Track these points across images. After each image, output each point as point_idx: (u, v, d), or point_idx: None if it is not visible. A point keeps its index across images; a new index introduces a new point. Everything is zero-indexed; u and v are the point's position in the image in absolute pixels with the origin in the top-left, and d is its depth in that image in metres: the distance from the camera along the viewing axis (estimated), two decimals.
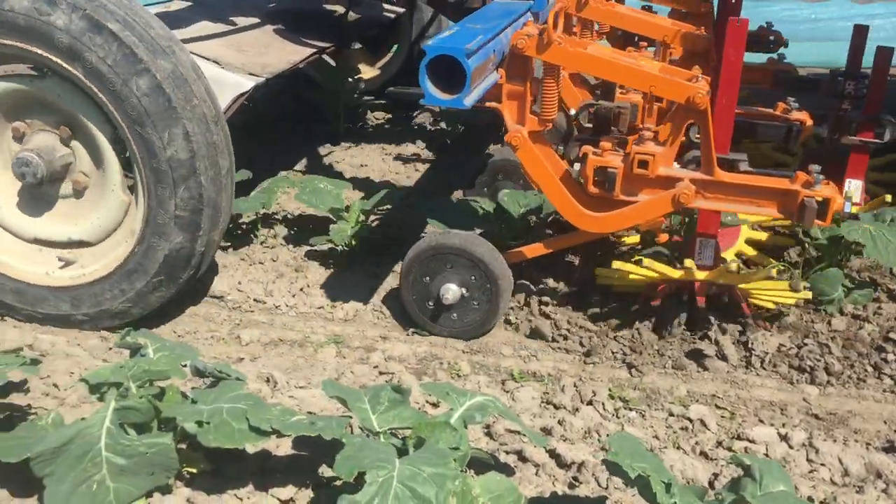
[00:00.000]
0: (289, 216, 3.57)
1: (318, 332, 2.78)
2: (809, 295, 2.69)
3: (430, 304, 2.70)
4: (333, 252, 3.22)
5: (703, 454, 2.20)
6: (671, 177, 2.47)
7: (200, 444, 1.83)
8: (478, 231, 2.93)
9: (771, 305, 2.72)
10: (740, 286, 2.64)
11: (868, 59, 3.11)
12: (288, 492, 1.91)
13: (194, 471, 1.95)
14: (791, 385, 2.51)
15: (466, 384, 2.47)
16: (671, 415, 2.36)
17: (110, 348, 2.64)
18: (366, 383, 2.46)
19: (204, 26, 3.49)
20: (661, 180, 2.47)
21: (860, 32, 3.19)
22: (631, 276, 2.68)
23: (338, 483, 1.94)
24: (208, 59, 3.00)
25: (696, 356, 2.61)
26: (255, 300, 2.94)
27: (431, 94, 2.26)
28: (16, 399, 2.26)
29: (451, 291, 2.64)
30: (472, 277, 2.64)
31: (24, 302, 2.70)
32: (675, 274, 2.63)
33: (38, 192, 2.68)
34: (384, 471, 1.65)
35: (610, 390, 2.46)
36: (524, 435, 2.18)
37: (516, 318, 2.82)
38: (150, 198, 2.51)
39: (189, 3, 3.91)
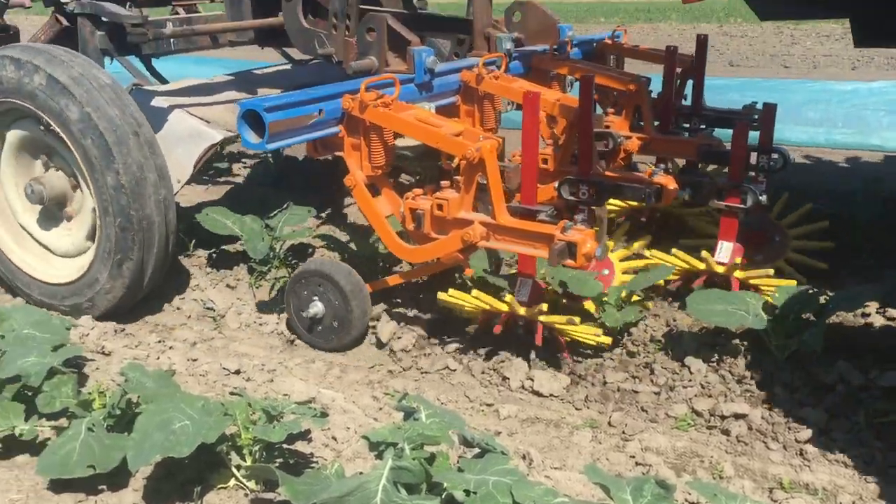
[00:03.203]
0: None
1: (573, 414, 2.79)
2: (609, 340, 3.04)
3: (305, 318, 3.20)
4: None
5: None
6: (466, 219, 2.92)
7: None
8: None
9: (587, 341, 3.02)
10: (540, 320, 2.97)
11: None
12: None
13: None
14: None
15: (729, 487, 2.34)
16: None
17: (380, 409, 2.83)
18: (622, 472, 2.42)
19: (227, 95, 4.10)
20: (458, 221, 2.94)
21: (769, 110, 3.51)
22: (458, 304, 3.13)
23: None
24: (200, 119, 3.75)
25: None
26: (507, 377, 3.02)
27: (245, 138, 2.88)
28: (300, 447, 2.49)
29: (314, 307, 3.17)
30: (334, 298, 3.13)
31: (44, 296, 3.55)
32: (486, 305, 3.03)
33: (50, 213, 3.57)
34: None
35: None
36: None
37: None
38: (100, 228, 3.31)
39: (233, 77, 4.53)
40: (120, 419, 2.42)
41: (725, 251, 3.40)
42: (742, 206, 3.34)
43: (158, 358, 3.16)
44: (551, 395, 2.89)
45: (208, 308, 3.60)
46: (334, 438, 2.57)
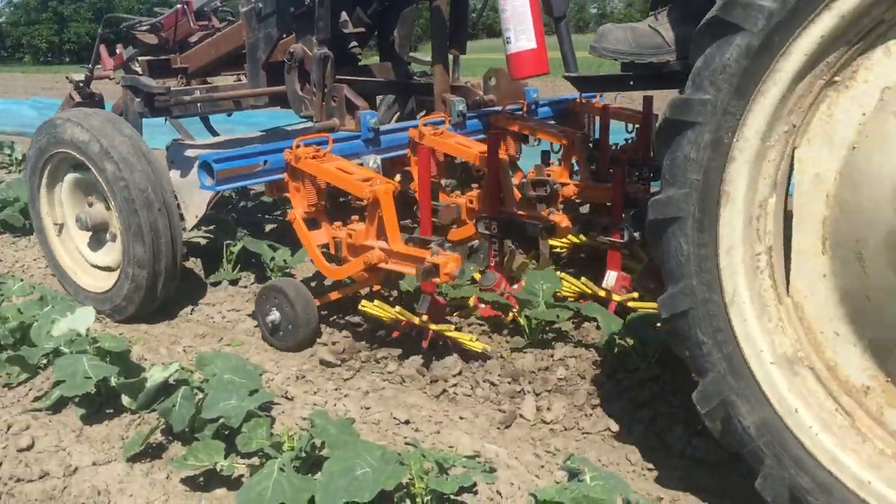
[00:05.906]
0: None
1: (737, 485, 2.76)
2: (483, 347, 3.66)
3: (268, 324, 3.96)
4: None
5: None
6: (369, 245, 3.64)
7: None
8: None
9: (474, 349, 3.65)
10: (438, 331, 3.67)
11: None
12: None
13: None
14: None
15: None
16: None
17: (542, 466, 2.92)
18: None
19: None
20: (364, 247, 3.67)
21: None
22: (377, 314, 3.81)
23: None
24: None
25: None
26: (670, 443, 3.03)
27: (202, 181, 3.70)
28: (467, 499, 2.62)
29: (272, 315, 3.94)
30: (287, 308, 3.87)
31: (90, 301, 4.42)
32: (394, 315, 3.75)
33: (96, 237, 4.56)
34: None
35: None
36: None
37: None
38: (124, 249, 4.21)
39: (263, 133, 5.26)
40: (305, 461, 2.66)
41: (611, 279, 4.07)
42: (622, 240, 4.04)
43: (335, 405, 3.41)
44: (714, 463, 2.88)
45: (383, 357, 3.85)
46: (499, 493, 2.68)
